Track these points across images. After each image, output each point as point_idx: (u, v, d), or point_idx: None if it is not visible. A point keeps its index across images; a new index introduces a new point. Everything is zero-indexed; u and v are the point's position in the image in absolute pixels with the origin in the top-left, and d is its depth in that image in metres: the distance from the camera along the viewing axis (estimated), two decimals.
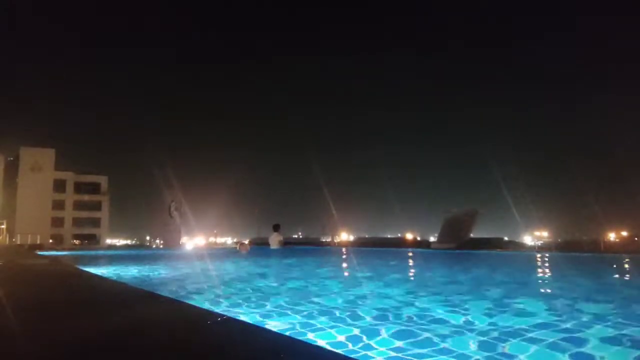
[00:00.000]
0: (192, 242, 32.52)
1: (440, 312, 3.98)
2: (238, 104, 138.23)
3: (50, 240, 46.60)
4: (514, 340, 2.93)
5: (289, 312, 3.93)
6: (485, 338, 3.00)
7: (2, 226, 36.12)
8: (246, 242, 18.93)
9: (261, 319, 3.66)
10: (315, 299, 4.79)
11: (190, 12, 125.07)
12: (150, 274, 8.54)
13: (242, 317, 3.57)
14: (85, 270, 6.71)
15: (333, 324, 3.44)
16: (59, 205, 56.05)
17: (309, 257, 14.45)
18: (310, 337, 3.04)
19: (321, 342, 2.87)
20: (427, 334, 3.07)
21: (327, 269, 10.29)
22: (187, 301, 3.76)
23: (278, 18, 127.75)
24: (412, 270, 10.40)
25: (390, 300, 4.74)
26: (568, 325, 3.50)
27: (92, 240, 56.53)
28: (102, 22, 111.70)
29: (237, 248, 17.66)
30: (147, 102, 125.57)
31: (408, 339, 2.98)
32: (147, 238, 52.49)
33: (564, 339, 3.01)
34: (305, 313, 3.86)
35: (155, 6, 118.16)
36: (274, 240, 16.31)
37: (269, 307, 4.25)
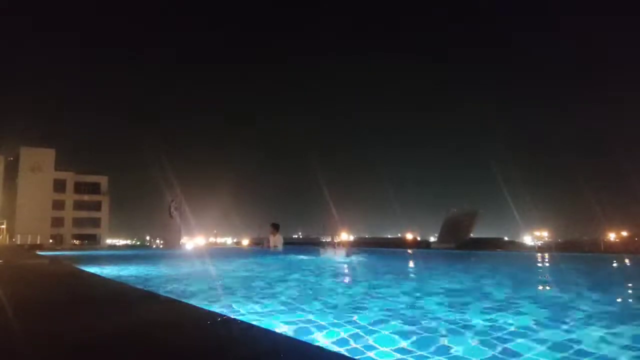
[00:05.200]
0: (192, 242, 32.49)
1: (446, 313, 3.97)
2: (238, 104, 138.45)
3: (50, 240, 46.64)
4: (514, 341, 2.93)
5: None
6: (485, 337, 3.00)
7: (2, 226, 36.13)
8: (341, 239, 13.18)
9: None
10: None
11: (190, 12, 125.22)
12: None
13: None
14: (85, 270, 6.69)
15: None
16: (59, 205, 56.02)
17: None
18: None
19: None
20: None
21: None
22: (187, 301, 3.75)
23: (278, 18, 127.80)
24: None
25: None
26: (568, 326, 3.49)
27: (92, 240, 56.46)
28: (103, 22, 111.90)
29: (334, 247, 12.57)
30: (147, 102, 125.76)
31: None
32: (147, 238, 52.45)
33: (563, 339, 3.00)
34: None
35: (155, 6, 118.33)
36: (279, 241, 15.89)
37: None
